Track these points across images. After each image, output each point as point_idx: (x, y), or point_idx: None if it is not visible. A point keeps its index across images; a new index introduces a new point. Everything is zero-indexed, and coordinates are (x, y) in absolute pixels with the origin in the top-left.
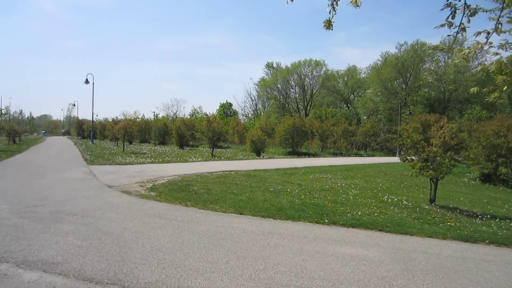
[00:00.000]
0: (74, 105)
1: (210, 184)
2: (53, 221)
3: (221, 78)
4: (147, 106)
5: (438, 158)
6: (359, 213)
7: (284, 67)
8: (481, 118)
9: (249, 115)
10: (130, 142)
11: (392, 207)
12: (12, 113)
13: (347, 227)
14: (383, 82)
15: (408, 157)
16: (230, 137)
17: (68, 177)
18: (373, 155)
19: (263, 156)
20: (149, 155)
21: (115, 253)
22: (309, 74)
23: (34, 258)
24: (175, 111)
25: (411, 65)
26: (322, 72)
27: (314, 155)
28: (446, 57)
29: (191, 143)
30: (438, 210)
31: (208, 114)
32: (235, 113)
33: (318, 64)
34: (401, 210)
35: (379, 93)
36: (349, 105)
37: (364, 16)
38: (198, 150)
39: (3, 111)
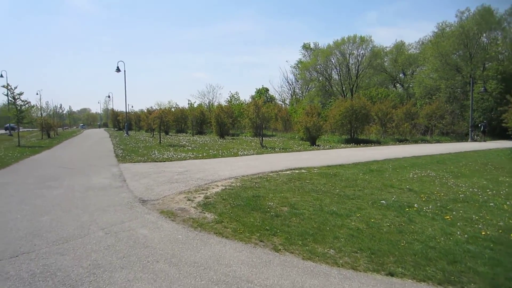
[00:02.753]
0: (109, 97)
1: (287, 193)
2: None
3: (252, 65)
4: (180, 97)
5: None
6: None
7: (325, 47)
8: None
9: (286, 101)
10: (167, 133)
11: None
12: (52, 108)
13: None
14: (443, 56)
15: None
16: (273, 124)
17: (89, 184)
18: (439, 141)
19: (319, 145)
20: (190, 148)
21: None
22: (354, 52)
23: None
24: (211, 98)
25: (477, 35)
26: (368, 49)
27: (378, 142)
28: None
29: (231, 131)
30: None
31: (254, 98)
32: (272, 98)
33: (363, 40)
34: None
35: (438, 69)
36: (397, 85)
37: None
38: (242, 140)
39: (30, 105)
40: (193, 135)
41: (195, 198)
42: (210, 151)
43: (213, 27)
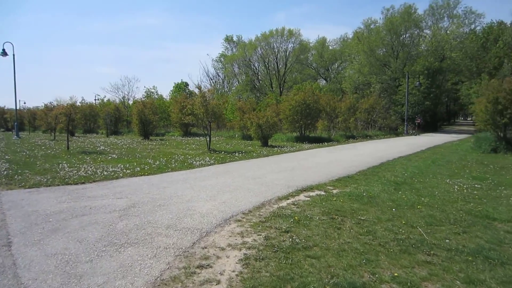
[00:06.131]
0: None
1: (379, 260)
2: None
3: (166, 60)
4: (83, 93)
5: None
6: None
7: (253, 39)
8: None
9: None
10: (72, 134)
11: None
12: None
13: None
14: (372, 51)
15: None
16: (200, 122)
17: None
18: (379, 136)
19: (273, 146)
20: (114, 155)
21: None
22: (282, 45)
23: None
24: (126, 93)
25: (403, 31)
26: (297, 43)
27: (329, 140)
28: (448, 22)
29: (155, 131)
30: None
31: (202, 88)
32: (192, 94)
33: (291, 33)
34: None
35: (367, 65)
36: (320, 79)
37: None
38: (174, 141)
39: None
40: (107, 136)
41: None
42: (148, 159)
43: (118, 18)
